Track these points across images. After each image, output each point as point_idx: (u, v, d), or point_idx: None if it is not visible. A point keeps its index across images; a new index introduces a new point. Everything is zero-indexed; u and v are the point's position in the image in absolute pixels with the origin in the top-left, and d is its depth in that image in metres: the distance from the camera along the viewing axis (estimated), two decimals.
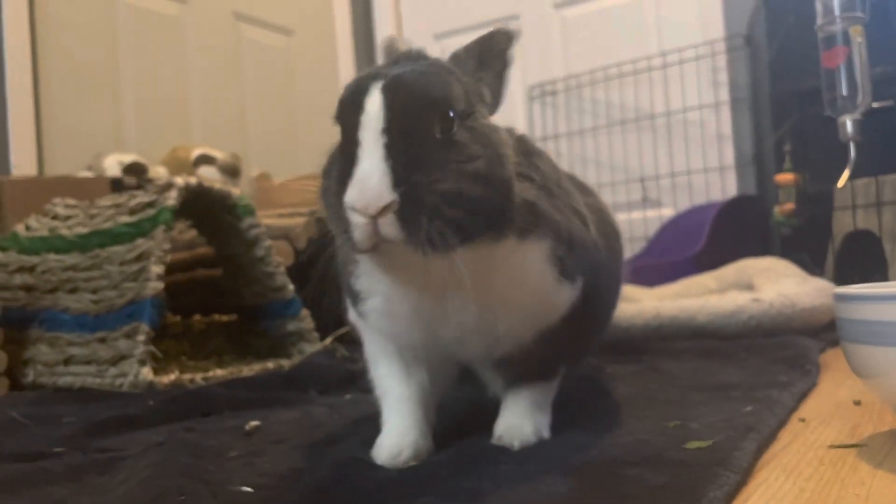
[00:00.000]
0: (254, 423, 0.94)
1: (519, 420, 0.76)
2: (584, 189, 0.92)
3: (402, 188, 0.57)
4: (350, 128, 0.60)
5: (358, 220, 0.58)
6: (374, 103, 0.60)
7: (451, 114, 0.62)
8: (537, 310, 0.72)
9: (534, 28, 3.36)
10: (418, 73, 0.64)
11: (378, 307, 0.71)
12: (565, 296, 0.74)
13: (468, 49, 0.71)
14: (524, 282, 0.69)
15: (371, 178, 0.57)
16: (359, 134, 0.59)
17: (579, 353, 0.89)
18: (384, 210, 0.57)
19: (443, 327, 0.69)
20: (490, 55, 0.71)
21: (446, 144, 0.61)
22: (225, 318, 1.69)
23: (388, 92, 0.61)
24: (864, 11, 1.72)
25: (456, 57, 0.71)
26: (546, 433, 0.76)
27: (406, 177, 0.58)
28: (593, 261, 0.77)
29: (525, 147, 0.75)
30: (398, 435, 0.74)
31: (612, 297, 0.89)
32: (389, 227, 0.57)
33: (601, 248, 0.80)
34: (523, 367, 0.78)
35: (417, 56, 0.70)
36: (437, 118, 0.61)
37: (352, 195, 0.57)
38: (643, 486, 0.57)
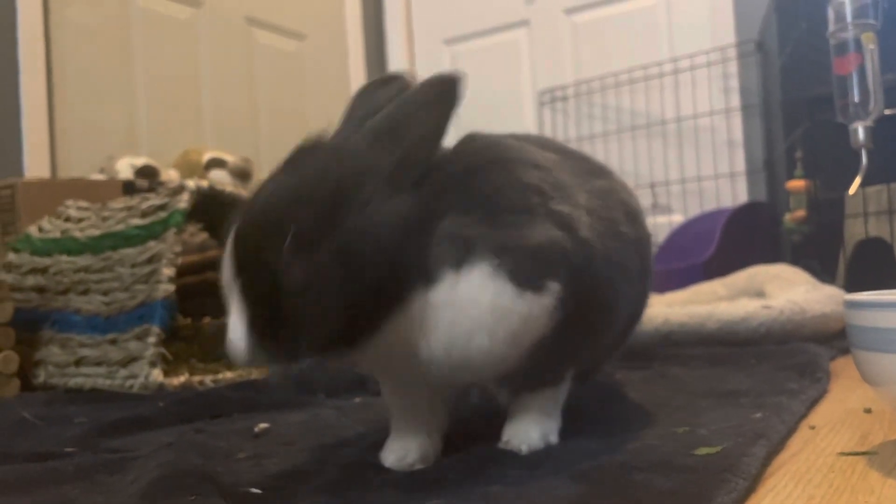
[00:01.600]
0: (263, 425, 0.94)
1: (526, 425, 0.76)
2: (593, 172, 0.83)
3: (258, 337, 0.59)
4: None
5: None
6: (229, 250, 0.61)
7: (291, 240, 0.59)
8: (501, 333, 0.64)
9: (544, 33, 3.37)
10: (259, 209, 0.62)
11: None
12: (533, 308, 0.65)
13: (413, 94, 0.66)
14: (471, 313, 0.63)
15: (237, 344, 0.59)
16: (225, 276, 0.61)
17: (590, 355, 0.85)
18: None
19: (420, 371, 0.67)
20: (436, 100, 0.65)
21: (295, 270, 0.59)
22: None
23: (236, 238, 0.61)
24: (876, 18, 1.72)
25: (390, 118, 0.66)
26: (554, 438, 0.76)
27: (261, 328, 0.59)
28: (574, 260, 0.68)
29: (473, 160, 0.69)
30: (405, 438, 0.74)
31: (618, 291, 0.77)
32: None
33: (590, 242, 0.71)
34: (523, 380, 0.75)
35: (316, 147, 0.66)
36: (274, 254, 0.59)
37: (228, 348, 0.60)
38: (651, 491, 0.57)
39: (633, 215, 0.83)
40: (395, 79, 0.75)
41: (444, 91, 0.65)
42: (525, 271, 0.64)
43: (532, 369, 0.71)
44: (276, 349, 0.60)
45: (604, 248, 0.73)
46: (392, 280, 0.61)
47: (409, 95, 0.66)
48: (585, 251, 0.70)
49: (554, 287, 0.66)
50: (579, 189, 0.75)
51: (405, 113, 0.65)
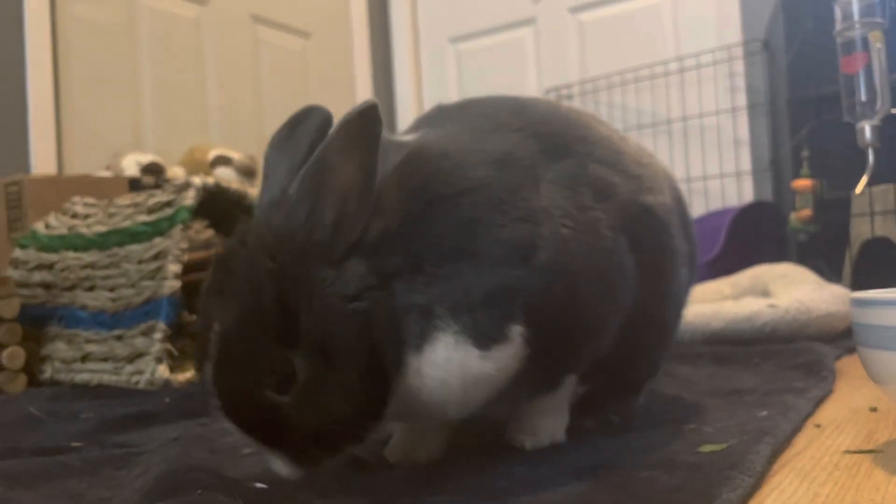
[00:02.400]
0: None
1: (531, 422, 0.76)
2: (556, 149, 0.73)
3: (299, 464, 0.59)
4: None
5: None
6: (224, 416, 0.59)
7: (271, 383, 0.57)
8: (473, 393, 0.63)
9: (550, 32, 3.37)
10: (227, 355, 0.58)
11: None
12: (501, 360, 0.63)
13: (332, 141, 0.58)
14: (443, 389, 0.61)
15: (293, 477, 0.60)
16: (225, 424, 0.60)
17: (593, 357, 0.76)
18: None
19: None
20: (356, 140, 0.58)
21: (292, 405, 0.57)
22: None
23: (226, 405, 0.59)
24: (883, 17, 1.71)
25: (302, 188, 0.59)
26: (560, 436, 0.75)
27: (297, 457, 0.59)
28: (533, 291, 0.64)
29: (412, 202, 0.63)
30: (411, 434, 0.74)
31: (598, 291, 0.69)
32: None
33: (553, 259, 0.65)
34: (515, 397, 0.71)
35: (245, 245, 0.60)
36: (262, 394, 0.57)
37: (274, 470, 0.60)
38: (656, 488, 0.57)
39: (609, 189, 0.73)
40: (311, 113, 0.68)
41: (363, 128, 0.58)
42: (484, 327, 0.61)
43: (518, 389, 0.68)
44: (322, 465, 0.59)
45: (573, 250, 0.67)
46: (374, 361, 0.58)
47: (327, 146, 0.58)
48: (546, 275, 0.65)
49: (516, 330, 0.63)
50: (531, 188, 0.68)
51: (327, 168, 0.58)
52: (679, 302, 0.85)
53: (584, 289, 0.67)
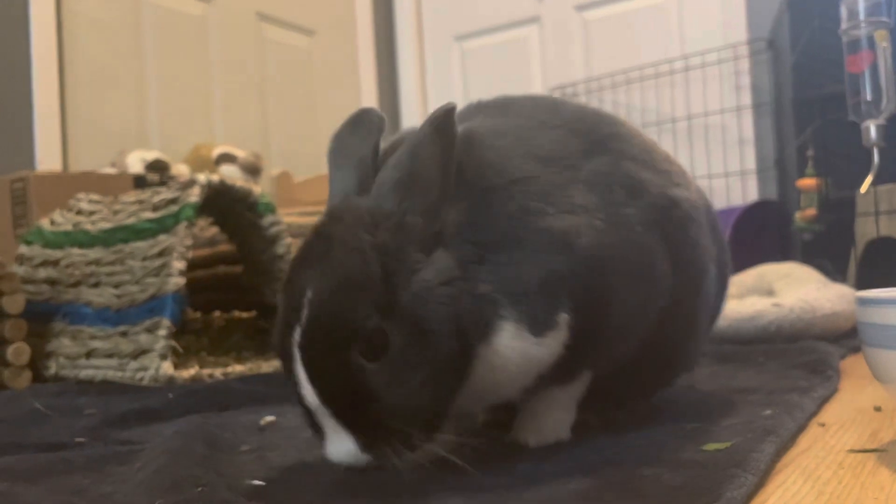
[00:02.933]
0: (269, 418, 0.94)
1: (537, 419, 0.75)
2: (590, 148, 0.74)
3: (373, 452, 0.60)
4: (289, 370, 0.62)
5: None
6: (300, 369, 0.60)
7: (362, 346, 0.58)
8: (524, 377, 0.67)
9: (555, 30, 3.36)
10: (317, 322, 0.59)
11: None
12: (551, 346, 0.66)
13: (420, 139, 0.63)
14: (504, 374, 0.65)
15: (357, 463, 0.60)
16: (301, 391, 0.61)
17: (616, 356, 0.77)
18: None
19: None
20: (441, 137, 0.63)
21: (379, 373, 0.59)
22: (245, 314, 1.71)
23: (308, 362, 0.59)
24: (889, 16, 1.71)
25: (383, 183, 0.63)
26: (565, 434, 0.75)
27: (372, 444, 0.59)
28: (577, 281, 0.66)
29: (468, 195, 0.66)
30: None
31: (627, 287, 0.70)
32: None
33: (593, 250, 0.67)
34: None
35: (346, 215, 0.63)
36: (352, 368, 0.58)
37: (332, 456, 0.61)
38: (660, 486, 0.57)
39: (640, 186, 0.74)
40: (367, 114, 0.72)
41: (447, 126, 0.63)
42: (537, 315, 0.64)
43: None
44: (393, 454, 0.59)
45: (608, 242, 0.69)
46: (457, 346, 0.61)
47: (419, 140, 0.63)
48: (586, 262, 0.67)
49: (564, 318, 0.66)
50: (573, 185, 0.70)
51: (416, 160, 0.63)
52: (709, 300, 0.84)
53: (618, 280, 0.69)
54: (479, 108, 0.82)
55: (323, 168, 0.71)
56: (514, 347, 0.64)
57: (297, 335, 0.59)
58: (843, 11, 1.74)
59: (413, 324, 0.59)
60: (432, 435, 0.61)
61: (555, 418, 0.75)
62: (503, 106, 0.81)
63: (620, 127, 0.80)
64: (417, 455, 0.60)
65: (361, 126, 0.71)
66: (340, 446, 0.60)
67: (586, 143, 0.74)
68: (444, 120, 0.63)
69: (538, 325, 0.64)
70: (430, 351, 0.59)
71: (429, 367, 0.59)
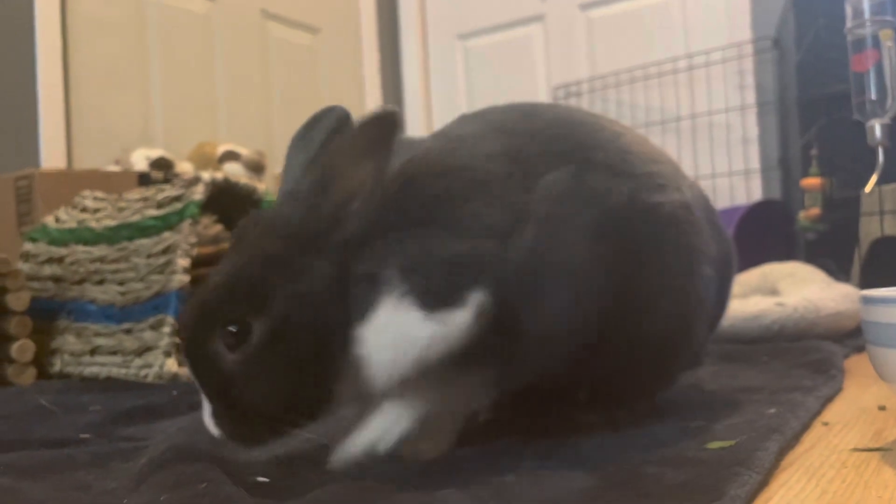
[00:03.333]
0: None
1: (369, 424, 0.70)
2: (562, 153, 0.73)
3: (224, 427, 0.63)
4: None
5: None
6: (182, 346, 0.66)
7: (225, 337, 0.62)
8: (404, 361, 0.63)
9: (559, 29, 3.36)
10: (194, 307, 0.65)
11: None
12: (444, 324, 0.63)
13: (347, 142, 0.63)
14: (379, 356, 0.63)
15: (213, 433, 0.64)
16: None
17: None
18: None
19: None
20: (372, 144, 0.63)
21: (244, 364, 0.62)
22: None
23: (184, 337, 0.65)
24: (894, 15, 1.70)
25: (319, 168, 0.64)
26: (383, 446, 0.67)
27: (223, 419, 0.63)
28: (504, 269, 0.65)
29: (396, 183, 0.66)
30: (418, 426, 0.74)
31: (559, 304, 0.68)
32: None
33: (530, 253, 0.66)
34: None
35: (257, 221, 0.67)
36: (212, 350, 0.62)
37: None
38: (664, 484, 0.57)
39: (600, 195, 0.71)
40: (330, 112, 0.72)
41: (376, 134, 0.62)
42: (435, 287, 0.63)
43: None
44: (241, 436, 0.63)
45: (546, 248, 0.67)
46: (329, 347, 0.62)
47: (341, 144, 0.63)
48: (520, 255, 0.65)
49: (475, 297, 0.63)
50: (523, 186, 0.69)
51: (335, 166, 0.63)
52: (700, 300, 0.80)
53: (539, 283, 0.67)
54: (461, 119, 0.82)
55: None
56: (392, 322, 0.62)
57: (184, 315, 0.66)
58: (848, 10, 1.74)
59: (278, 326, 0.61)
60: (297, 423, 0.63)
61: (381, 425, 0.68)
62: (480, 115, 0.80)
63: (599, 132, 0.78)
64: (277, 440, 0.63)
65: (319, 124, 0.72)
66: (206, 416, 0.65)
67: (549, 150, 0.73)
68: (373, 127, 0.62)
69: (429, 298, 0.62)
70: (291, 351, 0.61)
71: (288, 365, 0.62)
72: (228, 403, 0.63)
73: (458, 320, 0.63)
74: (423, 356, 0.64)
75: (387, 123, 0.62)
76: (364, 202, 0.63)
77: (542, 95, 3.36)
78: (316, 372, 0.62)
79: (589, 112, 0.87)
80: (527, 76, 3.42)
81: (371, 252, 0.63)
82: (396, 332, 0.63)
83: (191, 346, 0.64)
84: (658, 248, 0.75)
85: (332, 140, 0.67)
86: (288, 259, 0.63)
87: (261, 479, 0.65)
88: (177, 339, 1.28)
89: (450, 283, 0.63)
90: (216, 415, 0.63)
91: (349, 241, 0.63)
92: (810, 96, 2.38)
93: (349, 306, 0.62)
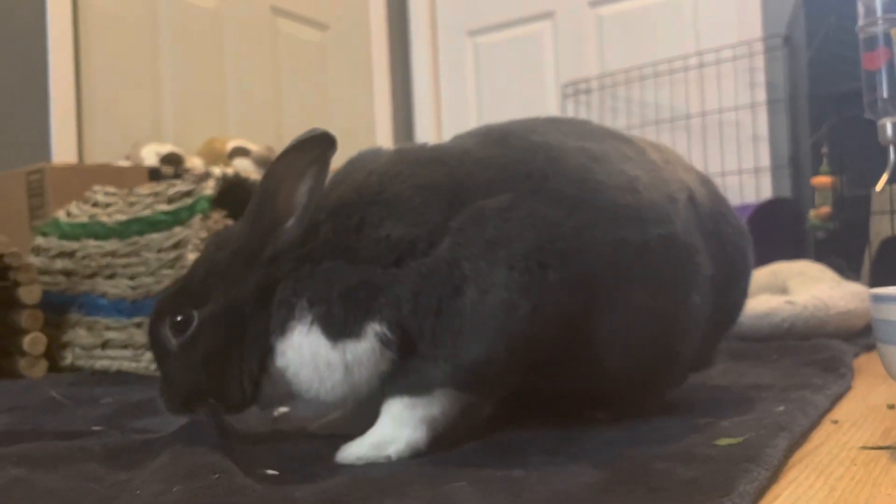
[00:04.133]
0: (282, 409, 0.95)
1: (370, 430, 0.72)
2: (493, 182, 0.72)
3: (163, 395, 0.75)
4: None
5: None
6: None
7: (173, 325, 0.74)
8: (328, 383, 0.70)
9: (568, 25, 3.35)
10: (163, 298, 0.76)
11: None
12: (355, 353, 0.68)
13: (282, 163, 0.69)
14: (301, 373, 0.71)
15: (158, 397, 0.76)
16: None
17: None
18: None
19: None
20: (306, 165, 0.69)
21: (182, 349, 0.73)
22: None
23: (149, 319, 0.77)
24: None
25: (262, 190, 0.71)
26: (391, 452, 0.69)
27: (164, 390, 0.75)
28: (400, 293, 0.67)
29: (318, 213, 0.71)
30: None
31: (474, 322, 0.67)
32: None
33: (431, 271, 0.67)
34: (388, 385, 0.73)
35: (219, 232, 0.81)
36: (162, 334, 0.75)
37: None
38: (673, 480, 0.57)
39: (537, 226, 0.69)
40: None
41: (314, 156, 0.69)
42: (335, 319, 0.68)
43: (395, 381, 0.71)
44: (172, 404, 0.75)
45: (447, 279, 0.67)
46: (246, 346, 0.71)
47: (271, 169, 0.69)
48: (417, 280, 0.67)
49: (372, 328, 0.68)
50: (445, 210, 0.69)
51: (272, 186, 0.70)
52: (678, 333, 0.78)
53: (449, 310, 0.68)
54: (456, 137, 0.83)
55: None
56: (304, 345, 0.69)
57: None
58: (860, 8, 1.73)
59: (212, 320, 0.72)
60: (232, 409, 0.74)
61: (382, 434, 0.71)
62: (457, 138, 0.82)
63: (563, 160, 0.74)
64: (218, 420, 0.72)
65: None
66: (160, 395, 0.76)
67: (494, 180, 0.72)
68: (304, 149, 0.68)
69: (331, 329, 0.68)
70: (212, 341, 0.72)
71: (208, 353, 0.72)
72: (168, 378, 0.74)
73: (360, 350, 0.69)
74: (347, 379, 0.70)
75: (320, 144, 0.68)
76: (297, 220, 0.71)
77: (551, 92, 3.36)
78: (232, 364, 0.71)
79: (586, 130, 0.82)
80: (536, 73, 3.42)
81: (294, 279, 0.70)
82: (311, 353, 0.69)
83: (150, 330, 0.76)
84: (618, 285, 0.72)
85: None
86: (228, 268, 0.72)
87: (270, 471, 0.66)
88: None
89: (347, 316, 0.68)
90: (160, 385, 0.75)
91: (275, 256, 0.71)
92: (821, 94, 2.37)
93: (270, 319, 0.71)
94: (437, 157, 0.75)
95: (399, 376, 0.70)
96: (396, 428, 0.70)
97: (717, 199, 0.88)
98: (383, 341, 0.68)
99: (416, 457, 0.70)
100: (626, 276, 0.72)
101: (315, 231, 0.71)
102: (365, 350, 0.68)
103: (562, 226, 0.70)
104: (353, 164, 0.78)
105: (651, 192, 0.76)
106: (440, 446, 0.71)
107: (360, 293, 0.68)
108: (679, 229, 0.76)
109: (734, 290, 0.89)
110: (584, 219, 0.71)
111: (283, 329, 0.70)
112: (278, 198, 0.70)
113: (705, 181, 0.89)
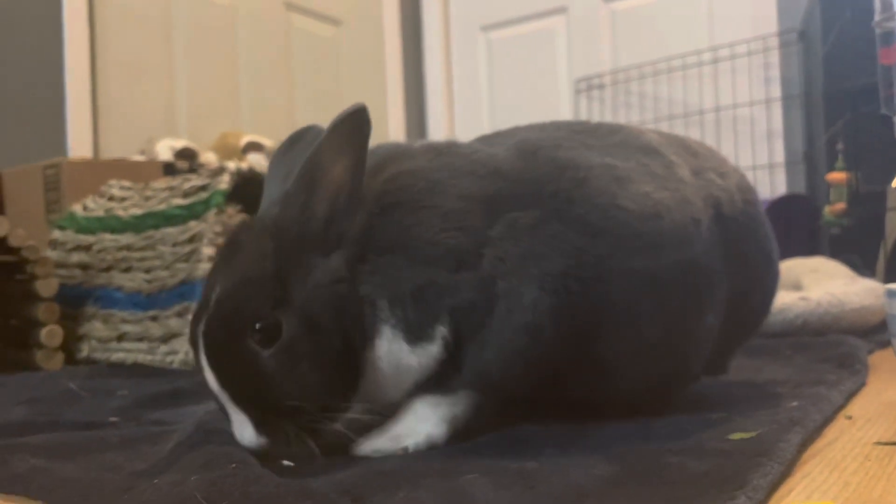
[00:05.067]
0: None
1: (389, 424, 0.72)
2: (524, 197, 0.72)
3: (264, 431, 0.64)
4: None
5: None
6: (202, 357, 0.66)
7: (257, 334, 0.64)
8: (404, 385, 0.70)
9: (582, 20, 3.34)
10: (218, 315, 0.65)
11: None
12: (425, 356, 0.68)
13: (325, 142, 0.66)
14: (386, 379, 0.69)
15: (252, 447, 0.65)
16: (205, 377, 0.67)
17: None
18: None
19: None
20: (346, 142, 0.66)
21: (271, 359, 0.64)
22: None
23: (209, 348, 0.65)
24: None
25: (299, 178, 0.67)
26: (410, 443, 0.70)
27: (267, 427, 0.64)
28: (462, 298, 0.68)
29: (378, 203, 0.70)
30: None
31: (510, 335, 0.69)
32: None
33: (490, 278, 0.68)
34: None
35: (249, 228, 0.70)
36: (246, 354, 0.64)
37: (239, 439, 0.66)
38: (685, 473, 0.58)
39: (556, 251, 0.70)
40: (308, 131, 0.77)
41: (352, 131, 0.66)
42: (412, 322, 0.67)
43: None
44: (285, 439, 0.65)
45: (494, 291, 0.68)
46: (347, 342, 0.66)
47: (319, 147, 0.66)
48: (473, 289, 0.68)
49: (440, 332, 0.68)
50: (485, 222, 0.70)
51: (318, 167, 0.66)
52: (688, 355, 0.80)
53: (489, 325, 0.69)
54: (485, 139, 0.83)
55: None
56: (392, 351, 0.68)
57: (201, 326, 0.65)
58: (877, 2, 1.71)
59: (304, 317, 0.64)
60: (331, 418, 0.66)
61: (407, 426, 0.72)
62: (486, 139, 0.82)
63: (588, 183, 0.74)
64: (316, 436, 0.65)
65: (300, 142, 0.77)
66: (242, 429, 0.65)
67: (522, 194, 0.73)
68: (349, 125, 0.65)
69: (411, 333, 0.67)
70: (319, 341, 0.65)
71: (318, 355, 0.64)
72: (268, 405, 0.64)
73: (431, 353, 0.68)
74: (417, 381, 0.70)
75: (358, 121, 0.66)
76: (347, 198, 0.67)
77: (564, 88, 3.35)
78: (345, 360, 0.66)
79: (613, 143, 0.81)
80: (549, 68, 3.41)
81: (368, 272, 0.68)
82: (396, 361, 0.68)
83: (220, 353, 0.65)
84: (631, 309, 0.73)
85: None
86: (293, 255, 0.66)
87: (286, 462, 0.66)
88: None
89: (420, 318, 0.67)
90: (259, 423, 0.64)
91: (344, 236, 0.68)
92: (836, 89, 2.35)
93: (359, 316, 0.67)
94: (472, 167, 0.74)
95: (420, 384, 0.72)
96: (417, 423, 0.71)
97: (750, 209, 0.86)
98: (446, 345, 0.68)
99: (431, 450, 0.70)
100: (640, 302, 0.73)
101: (369, 221, 0.69)
102: (434, 353, 0.69)
103: (586, 253, 0.71)
104: (383, 157, 0.75)
105: (674, 215, 0.75)
106: (453, 438, 0.72)
107: (428, 294, 0.68)
108: (698, 252, 0.76)
109: (755, 301, 0.89)
110: (605, 248, 0.72)
111: (370, 333, 0.67)
112: (324, 177, 0.66)
113: (744, 188, 0.87)
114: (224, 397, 0.65)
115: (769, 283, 0.91)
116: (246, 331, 0.64)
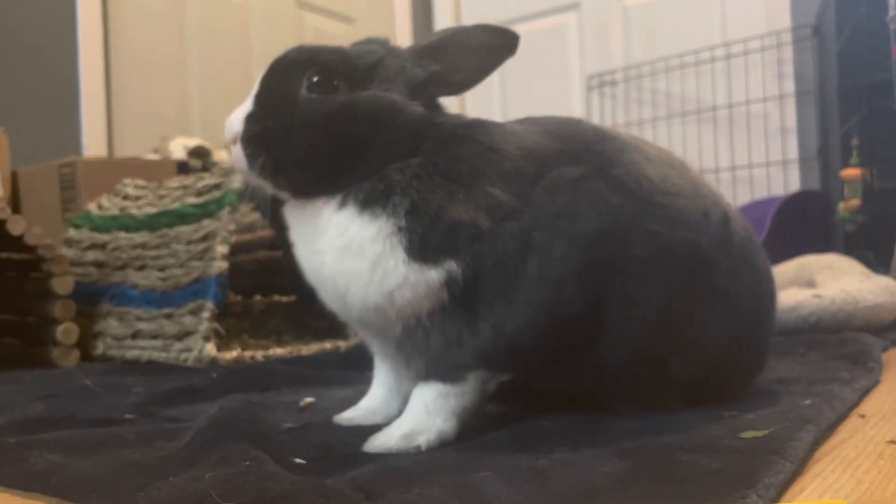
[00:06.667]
0: (308, 399, 0.97)
1: (400, 420, 0.73)
2: (572, 154, 0.77)
3: (250, 125, 0.72)
4: None
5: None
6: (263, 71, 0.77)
7: (315, 79, 0.73)
8: (376, 288, 0.70)
9: (594, 17, 3.33)
10: (299, 47, 0.77)
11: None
12: (416, 277, 0.69)
13: (466, 31, 0.75)
14: (358, 254, 0.70)
15: (235, 113, 0.74)
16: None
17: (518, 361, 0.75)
18: (235, 138, 0.73)
19: (317, 282, 0.76)
20: (483, 48, 0.74)
21: (307, 102, 0.72)
22: (284, 298, 1.73)
23: (274, 61, 0.78)
24: None
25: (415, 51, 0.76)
26: (421, 442, 0.70)
27: (258, 119, 0.73)
28: (487, 245, 0.70)
29: (441, 133, 0.74)
30: (369, 399, 0.85)
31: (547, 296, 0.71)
32: (238, 153, 0.73)
33: (518, 234, 0.71)
34: (419, 357, 0.74)
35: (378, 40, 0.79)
36: (298, 82, 0.74)
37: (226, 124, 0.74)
38: (697, 471, 0.58)
39: (611, 225, 0.74)
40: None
41: (501, 45, 0.73)
42: (421, 242, 0.69)
43: (429, 345, 0.72)
44: (260, 157, 0.72)
45: (537, 245, 0.71)
46: (365, 153, 0.72)
47: (464, 33, 0.73)
48: (510, 240, 0.70)
49: (449, 265, 0.69)
50: (535, 178, 0.74)
51: (453, 43, 0.74)
52: (686, 336, 0.80)
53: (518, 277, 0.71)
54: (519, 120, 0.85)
55: None
56: (377, 244, 0.70)
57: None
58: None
59: (360, 99, 0.72)
60: (292, 184, 0.74)
61: (413, 423, 0.72)
62: (533, 119, 0.85)
63: (626, 153, 0.80)
64: (272, 173, 0.73)
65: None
66: (238, 114, 0.75)
67: (567, 150, 0.78)
68: (506, 40, 0.73)
69: (415, 249, 0.69)
70: (349, 127, 0.72)
71: (339, 136, 0.72)
72: (274, 127, 0.73)
73: (431, 277, 0.69)
74: (396, 294, 0.70)
75: (506, 39, 0.73)
76: (459, 87, 0.76)
77: (576, 84, 3.34)
78: (347, 161, 0.72)
79: (638, 139, 0.87)
80: (561, 65, 3.40)
81: (414, 169, 0.71)
82: (376, 257, 0.70)
83: (274, 76, 0.76)
84: (643, 274, 0.75)
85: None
86: (395, 73, 0.75)
87: (298, 460, 0.67)
88: (215, 325, 1.30)
89: (436, 242, 0.69)
90: (253, 119, 0.73)
91: (430, 126, 0.74)
92: (851, 85, 2.34)
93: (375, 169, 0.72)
94: (522, 134, 0.78)
95: (428, 363, 0.72)
96: (428, 417, 0.72)
97: (748, 232, 0.88)
98: (448, 281, 0.69)
99: (443, 446, 0.71)
100: (650, 267, 0.76)
101: (453, 133, 0.74)
102: (429, 281, 0.69)
103: (619, 211, 0.75)
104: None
105: (688, 202, 0.80)
106: (465, 435, 0.72)
107: (462, 230, 0.69)
108: (704, 242, 0.79)
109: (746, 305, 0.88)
110: (635, 209, 0.76)
111: (371, 199, 0.71)
112: (452, 57, 0.75)
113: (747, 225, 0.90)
114: (255, 89, 0.78)
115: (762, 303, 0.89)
116: (306, 69, 0.75)
